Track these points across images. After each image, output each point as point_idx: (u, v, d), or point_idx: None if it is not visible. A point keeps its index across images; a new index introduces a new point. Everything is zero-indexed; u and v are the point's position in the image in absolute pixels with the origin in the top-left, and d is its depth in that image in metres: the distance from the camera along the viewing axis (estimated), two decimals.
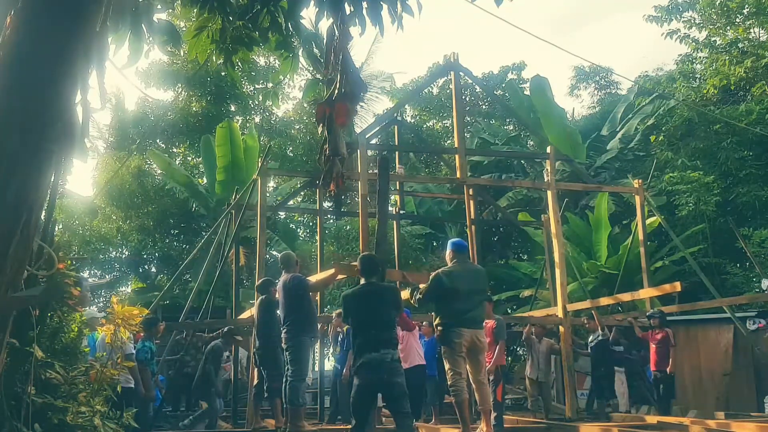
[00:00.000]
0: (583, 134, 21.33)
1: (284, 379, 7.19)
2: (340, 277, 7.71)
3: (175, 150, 25.60)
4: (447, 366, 6.49)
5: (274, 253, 21.79)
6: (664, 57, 62.01)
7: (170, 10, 5.38)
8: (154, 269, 23.21)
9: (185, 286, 18.31)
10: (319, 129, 4.69)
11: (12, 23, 2.93)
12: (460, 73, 11.96)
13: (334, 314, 10.29)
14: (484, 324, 6.83)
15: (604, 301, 12.06)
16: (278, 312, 7.46)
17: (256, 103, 25.75)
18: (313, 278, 8.39)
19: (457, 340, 6.35)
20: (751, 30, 19.28)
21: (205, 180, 21.77)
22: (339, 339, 10.03)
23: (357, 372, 5.38)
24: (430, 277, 6.56)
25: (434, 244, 22.21)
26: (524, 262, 20.78)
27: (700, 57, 19.93)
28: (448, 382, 6.51)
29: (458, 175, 11.26)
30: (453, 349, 6.39)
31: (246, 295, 15.74)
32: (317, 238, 13.72)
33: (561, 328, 10.57)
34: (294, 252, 10.74)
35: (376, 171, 7.09)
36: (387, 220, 5.34)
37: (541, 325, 10.90)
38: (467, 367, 6.50)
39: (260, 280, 8.42)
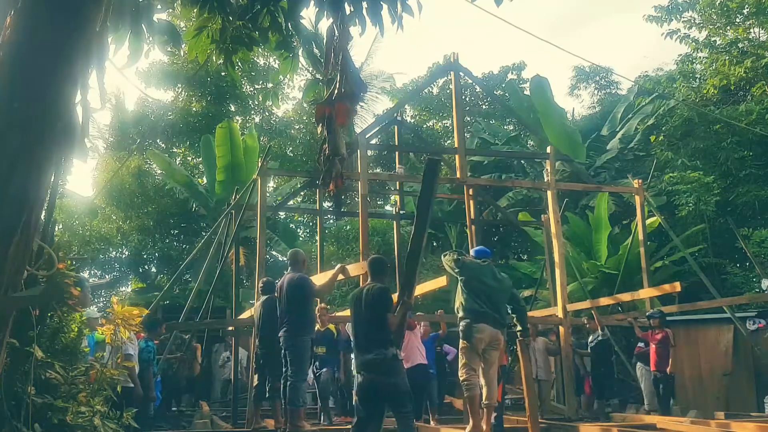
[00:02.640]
0: (583, 134, 21.31)
1: (285, 380, 7.12)
2: (340, 277, 7.70)
3: (175, 150, 25.61)
4: (462, 361, 6.59)
5: (274, 253, 21.83)
6: (664, 57, 61.92)
7: (170, 10, 5.39)
8: (154, 269, 23.22)
9: (185, 286, 18.32)
10: (319, 129, 4.70)
11: (12, 23, 2.92)
12: (460, 73, 11.96)
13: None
14: (505, 325, 6.82)
15: (604, 301, 12.06)
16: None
17: (256, 103, 25.77)
18: (315, 279, 8.35)
19: (478, 335, 6.47)
20: (751, 30, 19.27)
21: (205, 180, 21.77)
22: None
23: (358, 371, 5.48)
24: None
25: (434, 244, 22.21)
26: (524, 262, 20.77)
27: (700, 57, 19.91)
28: (461, 377, 6.61)
29: (458, 175, 11.28)
30: (472, 345, 6.51)
31: (246, 295, 15.74)
32: (317, 238, 13.72)
33: (561, 328, 10.58)
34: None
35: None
36: (425, 232, 5.24)
37: (532, 324, 10.90)
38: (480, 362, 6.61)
39: (264, 280, 8.40)
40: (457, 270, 6.73)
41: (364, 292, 5.52)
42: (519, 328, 6.78)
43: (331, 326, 9.72)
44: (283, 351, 7.18)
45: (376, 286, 5.48)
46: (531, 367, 8.93)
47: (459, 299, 6.71)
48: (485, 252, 7.11)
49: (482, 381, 6.58)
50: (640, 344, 11.03)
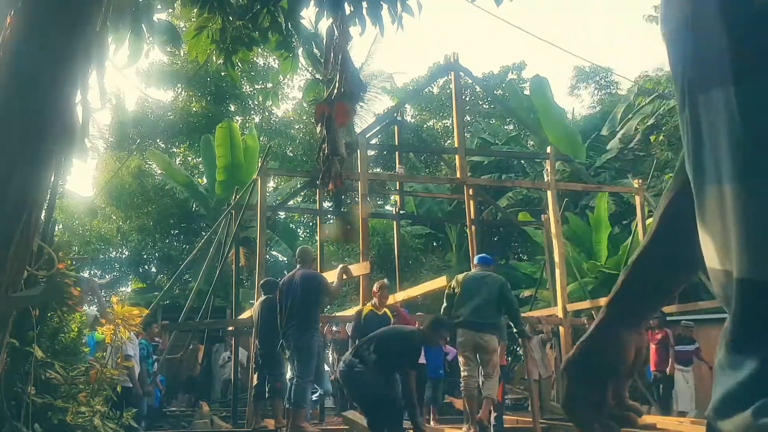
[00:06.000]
0: (583, 134, 21.32)
1: (293, 379, 6.95)
2: (343, 278, 7.68)
3: (175, 150, 25.61)
4: (461, 366, 7.11)
5: (274, 253, 21.82)
6: (664, 57, 61.84)
7: (170, 10, 5.39)
8: (154, 269, 23.21)
9: (185, 286, 18.30)
10: (319, 129, 4.71)
11: (12, 23, 2.92)
12: (460, 73, 11.96)
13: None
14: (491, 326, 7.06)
15: (604, 301, 12.02)
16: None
17: (256, 103, 25.76)
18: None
19: (459, 339, 6.97)
20: None
21: (205, 180, 21.77)
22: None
23: None
24: None
25: (434, 244, 22.22)
26: (524, 262, 20.78)
27: None
28: (461, 382, 7.15)
29: (458, 175, 11.27)
30: (459, 350, 7.07)
31: (246, 295, 15.73)
32: (317, 238, 13.71)
33: (561, 329, 10.57)
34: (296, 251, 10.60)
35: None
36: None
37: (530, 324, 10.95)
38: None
39: (264, 280, 8.35)
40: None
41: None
42: (515, 330, 7.24)
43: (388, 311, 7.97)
44: (291, 349, 6.94)
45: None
46: (533, 366, 9.07)
47: None
48: (485, 259, 7.50)
49: (480, 378, 6.86)
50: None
